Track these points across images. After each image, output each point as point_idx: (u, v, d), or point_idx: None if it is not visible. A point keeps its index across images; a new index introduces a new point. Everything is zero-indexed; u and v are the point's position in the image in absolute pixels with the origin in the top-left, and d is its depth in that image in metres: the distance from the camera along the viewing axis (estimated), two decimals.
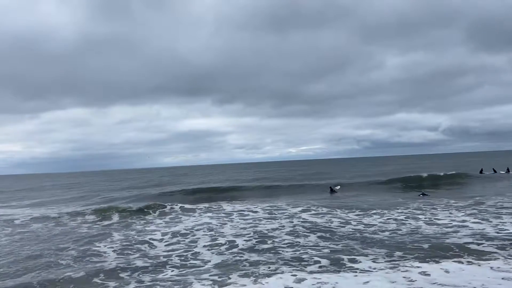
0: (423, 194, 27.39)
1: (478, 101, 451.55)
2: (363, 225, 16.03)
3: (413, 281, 9.12)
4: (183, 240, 14.72)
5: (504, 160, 69.20)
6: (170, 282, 9.93)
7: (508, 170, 41.11)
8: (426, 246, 12.37)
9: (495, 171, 41.20)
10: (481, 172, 40.11)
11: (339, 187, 31.98)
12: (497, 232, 13.57)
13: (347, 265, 10.77)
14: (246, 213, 20.56)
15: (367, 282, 9.17)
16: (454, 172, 37.61)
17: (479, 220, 15.90)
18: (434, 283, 8.89)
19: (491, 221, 15.64)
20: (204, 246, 13.66)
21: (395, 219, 17.00)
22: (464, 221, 15.98)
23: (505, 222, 15.28)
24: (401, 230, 14.91)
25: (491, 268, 9.76)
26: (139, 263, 11.87)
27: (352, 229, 15.49)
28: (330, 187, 31.50)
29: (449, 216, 17.21)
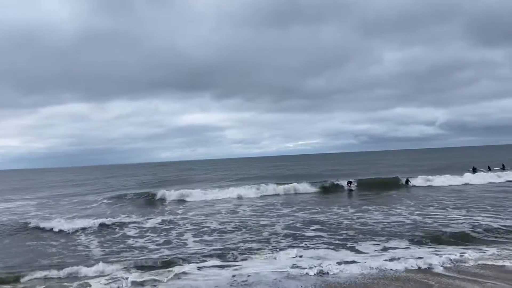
0: (407, 182, 29.11)
1: (475, 95, 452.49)
2: (364, 219, 15.86)
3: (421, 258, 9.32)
4: (171, 232, 14.74)
5: (500, 155, 69.11)
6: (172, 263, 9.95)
7: (503, 166, 39.29)
8: (428, 232, 12.68)
9: (490, 169, 38.33)
10: (474, 170, 36.79)
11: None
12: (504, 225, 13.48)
13: (353, 248, 10.87)
14: (244, 209, 19.86)
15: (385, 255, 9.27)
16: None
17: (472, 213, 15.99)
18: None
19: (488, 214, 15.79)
20: (194, 235, 13.71)
21: (396, 213, 16.90)
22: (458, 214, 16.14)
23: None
24: (404, 222, 14.92)
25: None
26: (135, 252, 11.84)
27: (353, 222, 15.45)
28: (349, 181, 29.26)
29: (444, 210, 17.25)
